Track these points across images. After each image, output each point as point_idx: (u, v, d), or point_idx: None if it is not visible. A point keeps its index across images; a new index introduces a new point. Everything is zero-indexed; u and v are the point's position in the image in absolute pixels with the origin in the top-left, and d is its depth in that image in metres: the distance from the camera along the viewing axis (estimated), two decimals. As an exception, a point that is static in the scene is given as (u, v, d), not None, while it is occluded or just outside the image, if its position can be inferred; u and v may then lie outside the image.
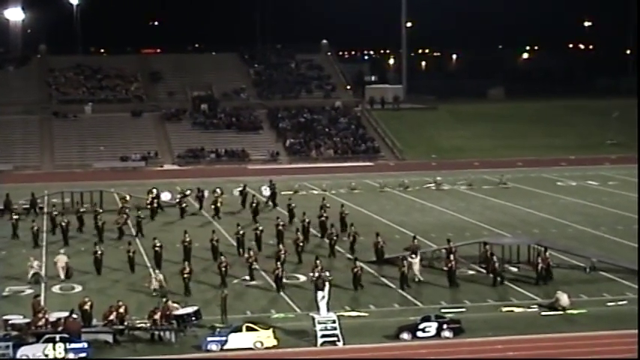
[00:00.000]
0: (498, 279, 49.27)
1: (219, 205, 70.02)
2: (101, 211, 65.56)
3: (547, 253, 49.94)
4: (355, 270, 49.14)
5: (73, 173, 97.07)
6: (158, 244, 54.31)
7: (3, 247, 60.82)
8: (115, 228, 62.86)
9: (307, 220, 61.19)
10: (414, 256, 51.65)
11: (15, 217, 64.47)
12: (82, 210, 67.10)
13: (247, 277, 50.66)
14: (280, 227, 59.34)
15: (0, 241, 62.75)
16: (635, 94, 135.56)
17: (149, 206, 70.53)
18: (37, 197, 72.37)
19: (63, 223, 61.88)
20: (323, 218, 62.70)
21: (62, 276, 51.86)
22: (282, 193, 76.91)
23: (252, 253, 51.92)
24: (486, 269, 51.47)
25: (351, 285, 49.02)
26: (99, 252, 53.69)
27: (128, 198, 71.68)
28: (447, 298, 46.90)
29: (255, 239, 58.26)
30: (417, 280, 50.05)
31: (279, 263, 49.75)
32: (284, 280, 49.11)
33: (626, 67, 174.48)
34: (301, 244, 55.25)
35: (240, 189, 75.45)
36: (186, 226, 62.79)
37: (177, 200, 72.27)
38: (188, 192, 73.97)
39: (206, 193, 74.10)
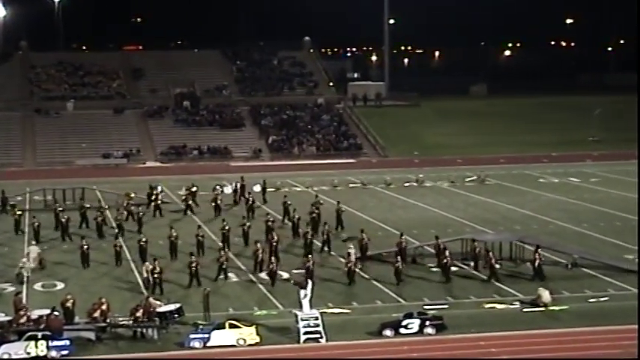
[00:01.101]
0: (486, 277, 49.48)
1: (219, 202, 69.96)
2: (106, 207, 65.61)
3: (539, 250, 50.17)
4: (349, 265, 49.46)
5: (55, 170, 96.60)
6: (144, 239, 54.74)
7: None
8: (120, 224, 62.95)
9: (297, 217, 61.34)
10: (351, 246, 52.62)
11: (18, 212, 64.55)
12: (86, 206, 67.24)
13: (222, 277, 50.46)
14: (270, 223, 59.43)
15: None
16: (617, 92, 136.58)
17: (153, 203, 70.61)
18: (7, 195, 71.95)
19: (63, 219, 62.08)
20: (314, 215, 62.83)
21: (33, 265, 51.86)
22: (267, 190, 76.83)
23: (222, 252, 51.78)
24: (475, 266, 51.60)
25: (332, 282, 49.30)
26: (85, 246, 54.06)
27: (133, 195, 71.65)
28: (429, 295, 46.95)
29: (242, 235, 58.39)
30: (355, 269, 50.69)
31: (273, 258, 50.13)
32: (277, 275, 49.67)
33: (607, 64, 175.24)
34: (275, 243, 54.70)
35: (233, 187, 75.47)
36: (185, 223, 63.06)
37: (183, 198, 72.20)
38: (194, 189, 73.78)
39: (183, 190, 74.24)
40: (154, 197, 70.91)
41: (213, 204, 69.57)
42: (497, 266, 51.21)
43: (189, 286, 48.56)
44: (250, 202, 68.67)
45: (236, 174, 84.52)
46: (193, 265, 49.36)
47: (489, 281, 49.16)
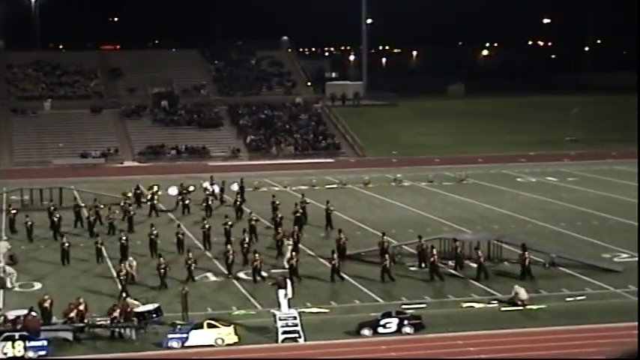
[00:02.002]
0: (463, 276, 49.58)
1: (210, 202, 69.82)
2: (102, 206, 65.76)
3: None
4: (333, 262, 49.67)
5: (33, 170, 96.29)
6: (124, 238, 54.91)
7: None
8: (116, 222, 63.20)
9: (280, 216, 61.39)
10: (290, 242, 53.26)
11: (13, 211, 64.44)
12: (81, 205, 67.36)
13: (192, 279, 50.33)
14: (253, 222, 59.48)
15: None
16: (595, 91, 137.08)
17: (149, 202, 70.59)
18: None
19: (55, 218, 62.09)
20: (298, 214, 62.84)
21: (3, 262, 51.55)
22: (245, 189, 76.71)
23: (190, 255, 51.31)
24: (455, 266, 51.65)
25: (311, 281, 49.44)
26: (66, 244, 54.29)
27: (130, 194, 71.54)
28: (408, 294, 46.99)
29: (224, 234, 58.33)
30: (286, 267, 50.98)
31: (257, 255, 50.04)
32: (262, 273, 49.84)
33: (584, 64, 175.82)
34: (246, 245, 54.29)
35: (220, 186, 75.53)
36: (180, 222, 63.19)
37: (180, 197, 72.03)
38: (191, 188, 73.60)
39: (174, 190, 73.97)
40: (149, 196, 70.92)
41: (205, 204, 69.46)
42: (475, 265, 51.33)
43: (165, 288, 48.41)
44: (239, 202, 68.69)
45: (213, 174, 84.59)
46: (162, 266, 49.24)
47: (481, 279, 49.24)
